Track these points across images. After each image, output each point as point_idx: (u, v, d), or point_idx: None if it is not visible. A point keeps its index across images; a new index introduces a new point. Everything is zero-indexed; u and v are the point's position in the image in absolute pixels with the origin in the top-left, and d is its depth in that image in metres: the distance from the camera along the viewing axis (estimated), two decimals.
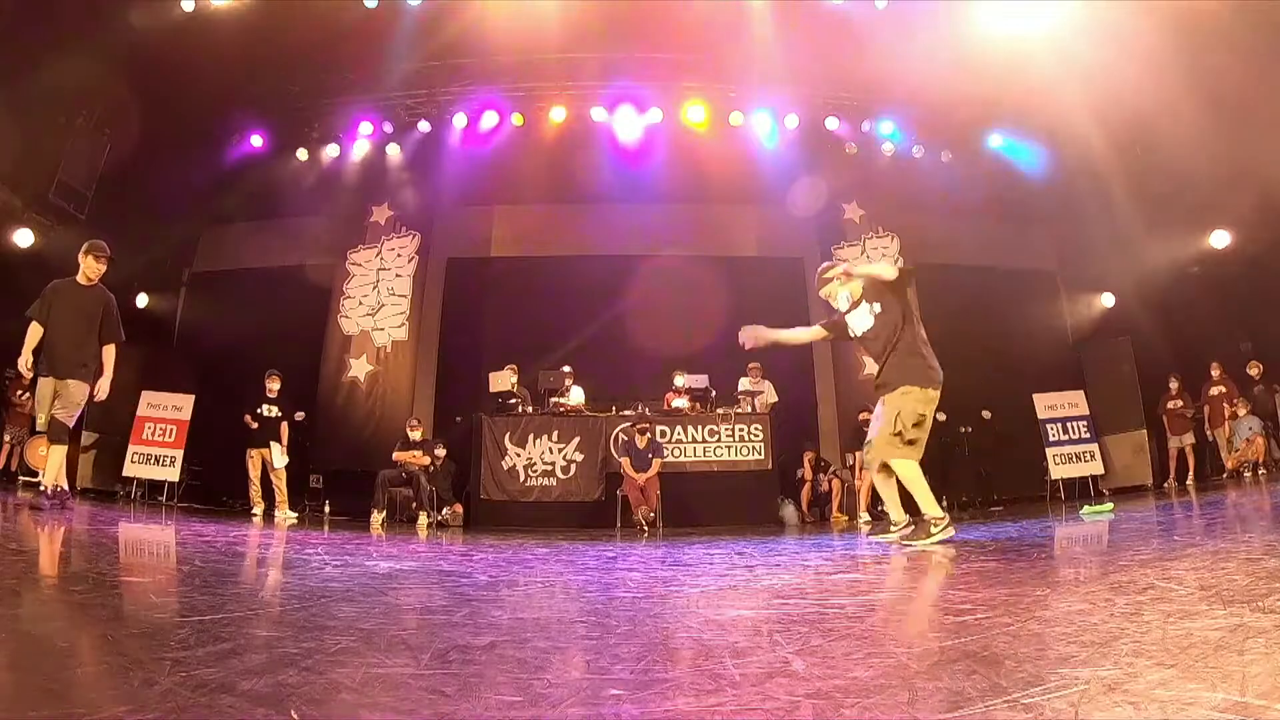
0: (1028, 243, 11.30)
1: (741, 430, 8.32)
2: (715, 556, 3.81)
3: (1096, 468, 9.67)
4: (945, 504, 9.71)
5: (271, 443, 8.03)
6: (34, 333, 4.92)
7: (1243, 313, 9.36)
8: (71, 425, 4.96)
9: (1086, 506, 5.83)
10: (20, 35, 7.15)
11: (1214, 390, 9.15)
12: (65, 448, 4.95)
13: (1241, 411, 8.68)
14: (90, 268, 5.04)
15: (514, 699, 1.13)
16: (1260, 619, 1.44)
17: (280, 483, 7.97)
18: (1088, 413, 9.85)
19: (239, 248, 10.95)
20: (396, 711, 1.06)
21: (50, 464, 4.92)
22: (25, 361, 4.91)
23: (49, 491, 4.81)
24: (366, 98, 10.19)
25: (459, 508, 8.21)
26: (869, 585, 2.56)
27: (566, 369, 8.98)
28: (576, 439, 8.29)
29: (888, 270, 4.06)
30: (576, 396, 8.80)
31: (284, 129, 10.47)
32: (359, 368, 10.27)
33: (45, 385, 4.91)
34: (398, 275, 10.62)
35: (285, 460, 8.08)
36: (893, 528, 4.12)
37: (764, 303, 10.93)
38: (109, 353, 5.06)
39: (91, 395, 5.05)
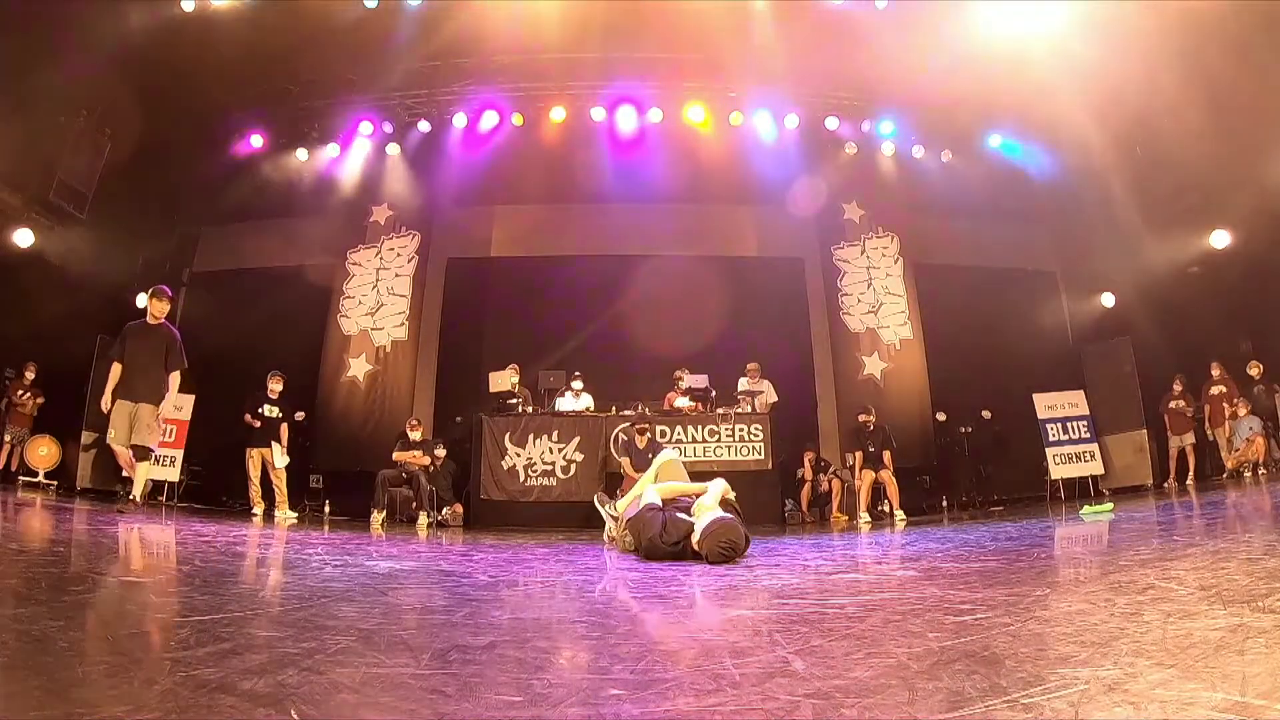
0: (1028, 243, 11.31)
1: (741, 430, 8.32)
2: None
3: (1096, 468, 9.67)
4: (945, 503, 9.77)
5: (272, 443, 8.04)
6: (115, 371, 5.67)
7: (1243, 313, 9.36)
8: (151, 444, 5.78)
9: (1086, 506, 5.83)
10: (20, 35, 7.15)
11: (1214, 390, 9.15)
12: (149, 463, 5.83)
13: (1241, 411, 8.68)
14: (156, 308, 5.86)
15: (514, 699, 1.13)
16: (1260, 619, 1.44)
17: (280, 483, 7.98)
18: (1088, 413, 9.85)
19: (239, 248, 10.94)
20: (396, 711, 1.06)
21: (139, 476, 5.76)
22: (108, 399, 5.61)
23: (136, 499, 5.66)
24: (366, 98, 10.18)
25: (459, 508, 8.21)
26: (869, 585, 2.56)
27: (577, 373, 8.95)
28: (576, 439, 8.28)
29: None
30: (585, 403, 8.80)
31: (284, 129, 10.47)
32: (358, 367, 10.26)
33: (122, 408, 5.61)
34: (397, 275, 10.62)
35: (286, 460, 8.09)
36: None
37: (764, 303, 10.97)
38: (173, 378, 5.85)
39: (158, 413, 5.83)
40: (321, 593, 2.30)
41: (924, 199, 10.76)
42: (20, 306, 8.20)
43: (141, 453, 5.68)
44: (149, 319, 5.86)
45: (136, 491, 5.73)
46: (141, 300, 10.19)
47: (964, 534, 4.61)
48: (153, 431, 5.75)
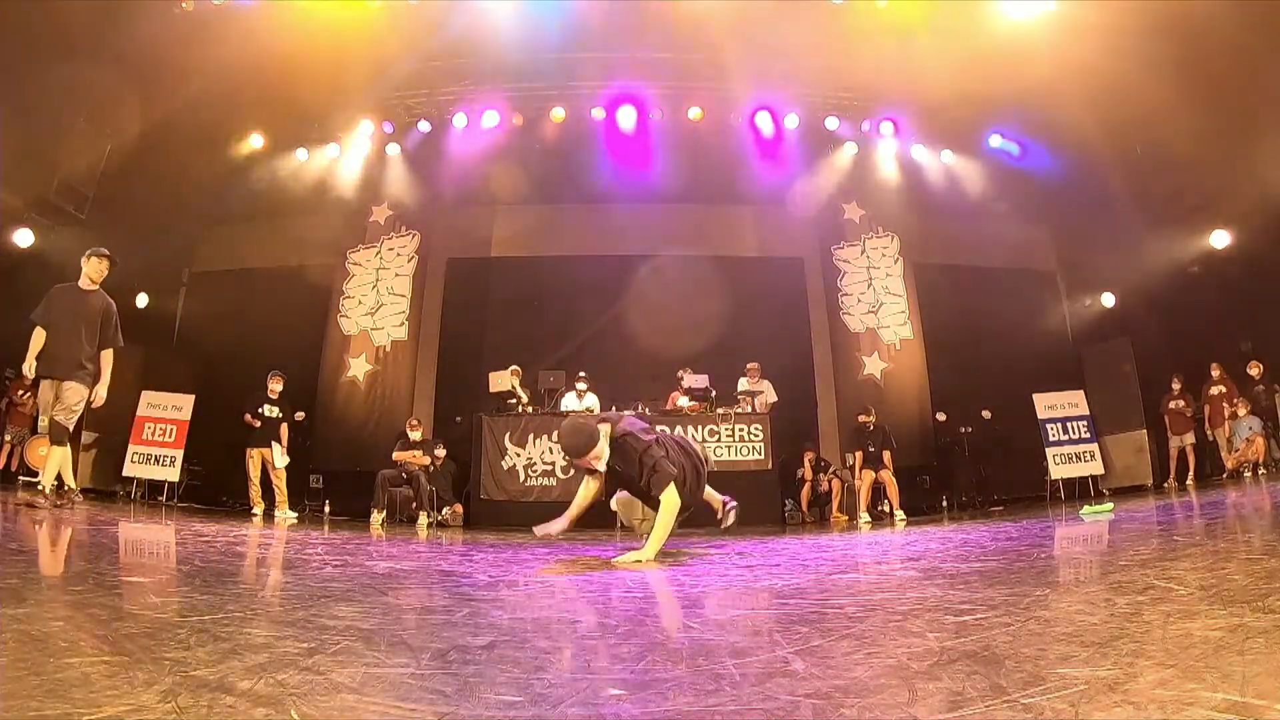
0: (1028, 243, 11.31)
1: (741, 430, 8.31)
2: (715, 556, 3.80)
3: (1096, 468, 9.66)
4: (945, 503, 9.77)
5: (272, 443, 8.04)
6: (38, 336, 4.95)
7: (1243, 313, 9.36)
8: (71, 427, 4.97)
9: (1086, 506, 5.83)
10: (21, 35, 7.15)
11: (1214, 390, 9.15)
12: (66, 448, 4.98)
13: (1241, 411, 8.68)
14: (93, 269, 5.08)
15: (514, 699, 1.13)
16: (1260, 619, 1.44)
17: (280, 483, 7.98)
18: (1088, 413, 9.84)
19: (239, 248, 10.95)
20: (396, 711, 1.06)
21: (49, 464, 4.96)
22: (29, 366, 4.96)
23: (46, 491, 4.85)
24: (366, 98, 10.18)
25: (459, 508, 8.21)
26: (869, 585, 2.56)
27: (581, 374, 8.95)
28: None
29: None
30: (590, 403, 8.79)
31: (284, 129, 10.48)
32: (358, 367, 10.27)
33: (46, 388, 4.97)
34: (397, 275, 10.62)
35: (286, 460, 8.09)
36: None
37: (764, 303, 10.97)
38: (106, 358, 5.08)
39: (89, 400, 5.07)
40: (321, 593, 2.29)
41: (924, 199, 10.77)
42: (20, 306, 8.18)
43: (59, 433, 4.83)
44: (83, 282, 5.05)
45: (46, 480, 4.89)
46: (142, 300, 10.33)
47: (964, 534, 4.61)
48: (75, 413, 4.91)
